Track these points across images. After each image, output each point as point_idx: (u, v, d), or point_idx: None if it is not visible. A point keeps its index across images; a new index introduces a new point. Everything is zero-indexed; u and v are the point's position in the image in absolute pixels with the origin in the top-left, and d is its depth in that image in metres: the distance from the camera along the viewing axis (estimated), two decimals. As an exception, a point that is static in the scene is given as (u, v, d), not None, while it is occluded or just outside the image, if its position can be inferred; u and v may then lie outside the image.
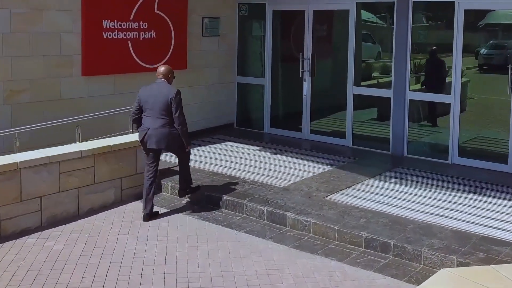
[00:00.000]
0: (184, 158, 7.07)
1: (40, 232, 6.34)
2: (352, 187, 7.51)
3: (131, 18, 9.11)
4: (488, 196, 7.22)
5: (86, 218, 6.80)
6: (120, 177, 7.33)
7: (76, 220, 6.73)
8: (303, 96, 10.25)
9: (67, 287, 5.10)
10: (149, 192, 6.74)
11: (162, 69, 6.86)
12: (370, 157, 9.08)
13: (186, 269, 5.48)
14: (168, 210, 7.06)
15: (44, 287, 5.11)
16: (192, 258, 5.72)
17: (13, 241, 6.08)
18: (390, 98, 9.26)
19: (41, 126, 7.47)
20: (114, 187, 7.28)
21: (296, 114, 10.44)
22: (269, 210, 6.67)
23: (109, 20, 8.81)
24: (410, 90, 9.09)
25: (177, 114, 6.60)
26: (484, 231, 6.04)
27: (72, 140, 7.46)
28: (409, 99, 9.08)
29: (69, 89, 8.49)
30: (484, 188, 7.53)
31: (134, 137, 7.63)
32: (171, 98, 6.57)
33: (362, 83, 10.02)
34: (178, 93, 6.66)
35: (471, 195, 7.25)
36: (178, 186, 7.22)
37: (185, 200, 7.39)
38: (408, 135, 9.17)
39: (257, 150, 9.50)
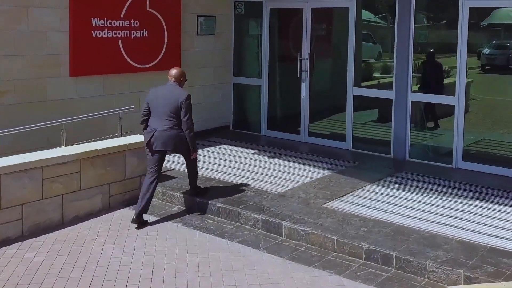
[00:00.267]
0: (192, 162, 6.85)
1: (21, 243, 5.97)
2: (352, 193, 7.15)
3: (121, 16, 8.74)
4: (495, 203, 6.86)
5: (70, 227, 6.44)
6: (107, 182, 6.97)
7: (60, 229, 6.37)
8: (301, 97, 9.96)
9: (45, 304, 4.75)
10: (148, 190, 6.46)
11: (174, 71, 6.70)
12: (371, 161, 8.73)
13: (174, 283, 5.11)
14: (158, 218, 6.70)
15: (20, 304, 4.76)
16: (180, 271, 5.35)
17: (-9, 252, 5.73)
18: (391, 100, 8.91)
19: (25, 129, 7.09)
20: (101, 193, 6.91)
21: (294, 116, 10.16)
22: (264, 218, 6.31)
23: (98, 18, 8.44)
24: (412, 92, 8.74)
25: (185, 118, 6.46)
26: (492, 242, 5.67)
27: (59, 144, 7.09)
28: (411, 101, 8.74)
29: (56, 90, 8.13)
30: (491, 195, 7.17)
31: (122, 140, 7.30)
32: (181, 102, 6.43)
33: (362, 84, 9.72)
34: (189, 97, 6.51)
35: (477, 202, 6.89)
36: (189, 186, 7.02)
37: (176, 207, 7.04)
38: (410, 138, 8.82)
39: (253, 153, 9.15)
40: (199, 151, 7.10)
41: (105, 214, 6.84)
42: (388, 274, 5.30)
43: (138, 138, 7.40)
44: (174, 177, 7.66)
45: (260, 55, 10.60)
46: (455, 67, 8.38)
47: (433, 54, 9.00)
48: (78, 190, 6.65)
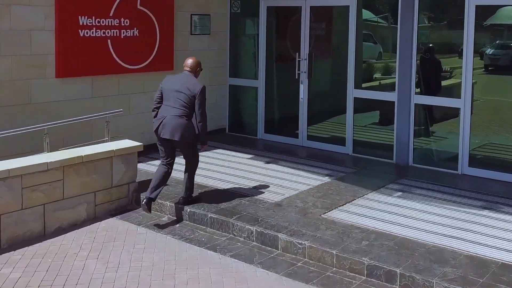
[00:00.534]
0: (192, 165, 6.58)
1: (-2, 256, 5.58)
2: (353, 202, 6.75)
3: (110, 14, 8.34)
4: (505, 212, 6.45)
5: (52, 239, 6.03)
6: (93, 191, 6.57)
7: (41, 241, 5.97)
8: (300, 99, 9.61)
9: (17, 328, 4.35)
10: (160, 179, 6.42)
11: (189, 61, 6.57)
12: (372, 166, 8.34)
13: (160, 303, 4.72)
14: (146, 229, 6.29)
15: (-10, 327, 4.36)
16: (167, 289, 4.96)
17: (-35, 267, 5.33)
18: (394, 102, 8.52)
19: (7, 134, 6.69)
20: (86, 202, 6.51)
21: (292, 118, 9.80)
22: (258, 230, 5.90)
23: (86, 17, 8.04)
24: (415, 94, 8.35)
25: (200, 111, 6.38)
26: (504, 257, 5.27)
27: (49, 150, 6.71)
28: (415, 103, 8.35)
29: (41, 92, 7.72)
30: (500, 203, 6.77)
31: (109, 146, 6.90)
32: (196, 94, 6.33)
33: (363, 85, 9.38)
34: (204, 89, 6.41)
35: (486, 212, 6.49)
36: (183, 194, 6.66)
37: (165, 216, 6.64)
38: (413, 142, 8.42)
39: (249, 158, 8.74)
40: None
41: (90, 224, 6.44)
42: (392, 293, 4.92)
43: (126, 143, 7.02)
44: (165, 185, 7.24)
45: (257, 56, 10.25)
46: (456, 68, 8.08)
47: (432, 49, 8.64)
48: (61, 199, 6.25)
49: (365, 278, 5.16)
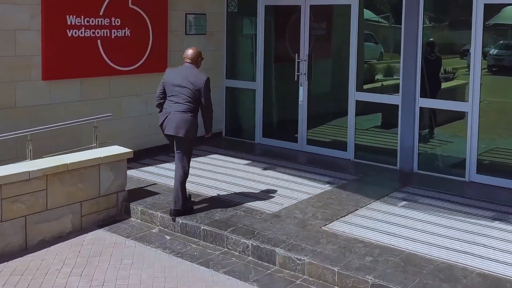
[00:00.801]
0: (184, 164, 6.21)
1: (-26, 273, 5.20)
2: (355, 212, 6.36)
3: (100, 13, 7.94)
4: (517, 224, 6.08)
5: (35, 253, 5.65)
6: (79, 201, 6.18)
7: (23, 255, 5.58)
8: (299, 102, 9.28)
9: None
10: (179, 188, 6.14)
11: (190, 52, 6.32)
12: (375, 173, 7.97)
13: (146, 327, 4.34)
14: (135, 242, 5.91)
15: None
16: (155, 311, 4.58)
17: None
18: (397, 106, 8.15)
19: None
20: (72, 213, 6.12)
21: (291, 122, 9.47)
22: (254, 244, 5.51)
23: (74, 16, 7.64)
24: (420, 97, 7.97)
25: (207, 103, 6.24)
26: (519, 275, 4.89)
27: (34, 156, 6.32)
28: (420, 107, 7.98)
29: (26, 95, 7.33)
30: (511, 214, 6.38)
31: (97, 152, 6.52)
32: (201, 87, 6.12)
33: (365, 86, 9.03)
34: (208, 80, 6.19)
35: (497, 223, 6.10)
36: (174, 203, 6.25)
37: (156, 228, 6.25)
38: (418, 148, 8.05)
39: (246, 164, 8.36)
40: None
41: (75, 237, 6.05)
42: (399, 315, 4.53)
43: (115, 149, 6.63)
44: (156, 193, 6.88)
45: (254, 57, 9.92)
46: (459, 68, 7.81)
47: (433, 44, 8.32)
48: (44, 210, 5.86)
49: (369, 298, 4.78)
